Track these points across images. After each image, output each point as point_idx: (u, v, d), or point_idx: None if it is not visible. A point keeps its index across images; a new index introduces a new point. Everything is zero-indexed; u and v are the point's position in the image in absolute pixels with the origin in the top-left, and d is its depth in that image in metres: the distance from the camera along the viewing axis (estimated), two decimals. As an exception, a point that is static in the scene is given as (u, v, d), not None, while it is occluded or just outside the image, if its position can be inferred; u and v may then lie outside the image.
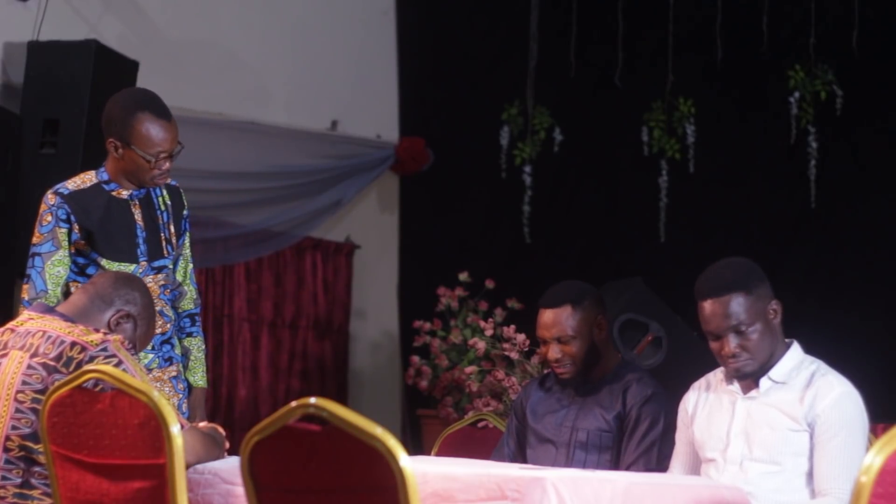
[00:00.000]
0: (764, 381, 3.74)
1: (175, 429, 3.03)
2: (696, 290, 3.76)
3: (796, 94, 6.91)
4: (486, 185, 7.88)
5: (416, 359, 6.79)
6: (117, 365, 3.33)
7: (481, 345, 6.31)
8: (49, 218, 4.19)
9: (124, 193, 4.26)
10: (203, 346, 4.48)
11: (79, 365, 3.35)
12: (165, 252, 4.29)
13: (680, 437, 3.96)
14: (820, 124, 6.89)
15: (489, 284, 6.86)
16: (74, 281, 4.20)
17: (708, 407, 3.85)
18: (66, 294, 4.17)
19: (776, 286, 3.80)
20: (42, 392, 3.35)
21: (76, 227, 4.18)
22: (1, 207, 5.92)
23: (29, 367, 3.42)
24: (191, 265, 4.48)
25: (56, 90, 6.08)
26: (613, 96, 7.50)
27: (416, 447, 6.78)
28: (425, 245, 8.14)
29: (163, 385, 4.26)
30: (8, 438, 3.41)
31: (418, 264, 8.15)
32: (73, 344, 3.42)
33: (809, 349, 3.82)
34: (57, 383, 3.27)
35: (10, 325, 3.60)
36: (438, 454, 4.65)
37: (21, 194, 5.93)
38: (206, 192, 6.87)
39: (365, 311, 8.07)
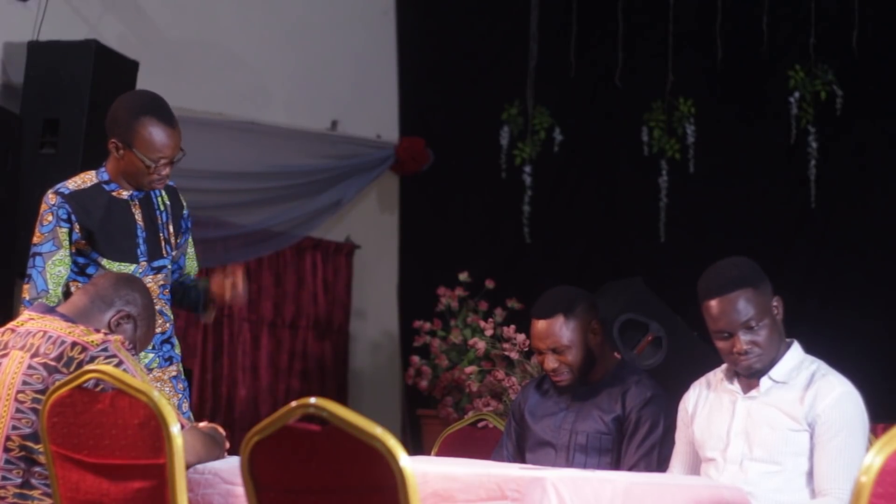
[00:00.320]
0: (764, 381, 3.74)
1: (175, 429, 3.03)
2: (701, 290, 3.74)
3: (796, 94, 6.91)
4: (486, 185, 7.88)
5: (416, 359, 6.80)
6: (118, 365, 3.33)
7: (481, 345, 6.31)
8: (50, 217, 4.19)
9: (124, 194, 4.26)
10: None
11: (79, 365, 3.35)
12: (164, 252, 4.29)
13: (680, 436, 3.96)
14: (820, 124, 6.89)
15: (489, 284, 6.86)
16: (75, 281, 4.20)
17: (708, 406, 3.85)
18: (67, 294, 4.17)
19: (776, 286, 3.80)
20: (42, 392, 3.35)
21: (77, 226, 4.18)
22: (1, 207, 5.92)
23: (29, 367, 3.43)
24: (195, 263, 4.50)
25: (56, 90, 6.08)
26: (613, 96, 7.50)
27: (416, 447, 6.78)
28: (425, 245, 8.14)
29: (163, 385, 4.26)
30: (8, 438, 3.41)
31: (418, 264, 8.15)
32: (74, 344, 3.42)
33: (809, 349, 3.82)
34: (57, 383, 3.27)
35: (10, 325, 3.60)
36: (438, 454, 4.65)
37: (21, 194, 5.93)
38: (206, 192, 6.87)
39: (365, 311, 8.07)
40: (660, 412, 4.13)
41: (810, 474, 3.65)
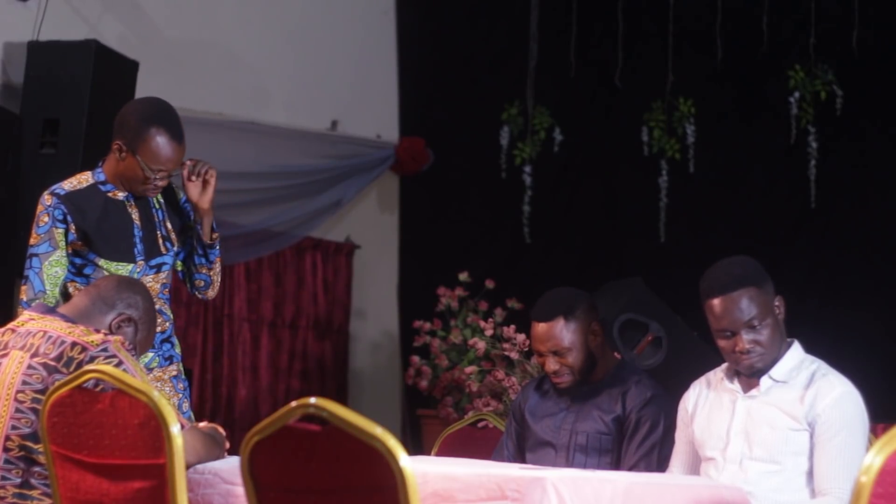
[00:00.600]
0: (764, 380, 3.74)
1: (175, 429, 3.03)
2: (704, 289, 3.74)
3: (796, 94, 6.91)
4: (486, 185, 7.88)
5: (416, 359, 6.79)
6: (118, 365, 3.33)
7: (481, 345, 6.31)
8: (46, 219, 4.19)
9: (120, 195, 4.26)
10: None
11: (79, 365, 3.35)
12: (164, 249, 4.29)
13: (680, 435, 3.96)
14: (820, 124, 6.89)
15: (489, 284, 6.86)
16: (72, 281, 4.20)
17: (708, 405, 3.85)
18: (64, 294, 4.17)
19: (776, 286, 3.80)
20: (42, 392, 3.35)
21: (73, 227, 4.18)
22: (1, 207, 5.92)
23: (29, 367, 3.43)
24: None
25: (56, 90, 6.08)
26: (613, 96, 7.50)
27: (416, 447, 6.78)
28: (425, 245, 8.14)
29: (163, 385, 4.26)
30: (8, 438, 3.41)
31: (418, 264, 8.15)
32: (74, 344, 3.42)
33: (809, 349, 3.82)
34: (57, 383, 3.27)
35: (10, 325, 3.61)
36: (438, 454, 4.65)
37: (21, 194, 5.93)
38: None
39: (365, 311, 8.07)
40: (660, 412, 4.13)
41: (810, 474, 3.65)
